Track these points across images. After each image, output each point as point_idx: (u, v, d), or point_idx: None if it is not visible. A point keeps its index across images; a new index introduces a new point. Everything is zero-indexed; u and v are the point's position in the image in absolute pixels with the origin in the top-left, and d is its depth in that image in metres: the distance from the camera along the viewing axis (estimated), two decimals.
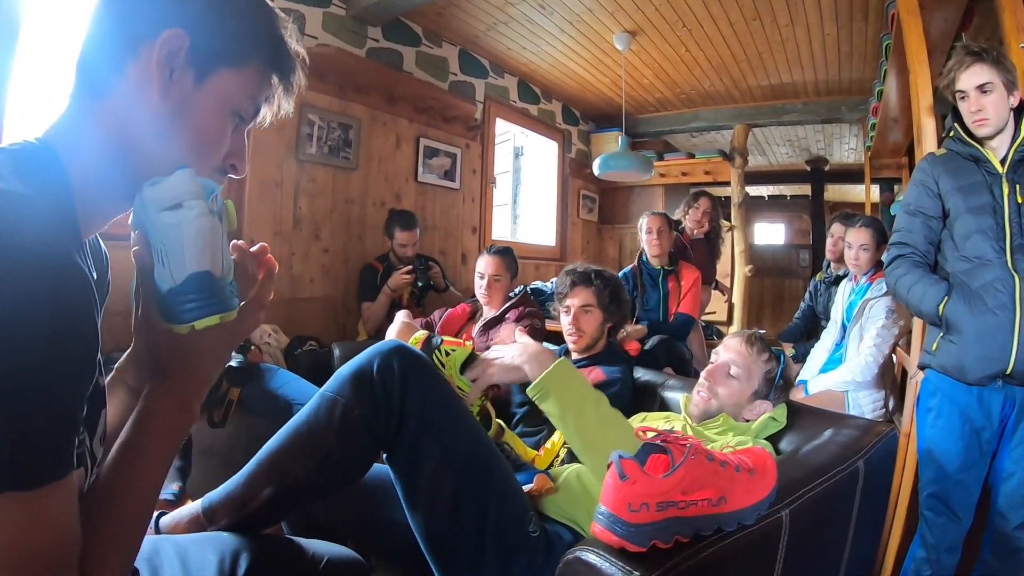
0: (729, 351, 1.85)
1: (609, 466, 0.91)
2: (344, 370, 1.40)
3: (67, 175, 0.77)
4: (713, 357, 1.89)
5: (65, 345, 0.64)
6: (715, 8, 4.30)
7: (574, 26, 4.70)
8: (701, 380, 1.85)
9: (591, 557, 0.91)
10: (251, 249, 0.94)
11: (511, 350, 1.68)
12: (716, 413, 1.78)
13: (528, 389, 1.52)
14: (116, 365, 1.03)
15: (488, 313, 3.27)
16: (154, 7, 0.81)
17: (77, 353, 0.65)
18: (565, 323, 2.43)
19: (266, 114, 0.94)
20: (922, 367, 2.22)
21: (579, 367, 2.32)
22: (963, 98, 2.09)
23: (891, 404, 3.22)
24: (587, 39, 4.93)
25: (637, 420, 1.96)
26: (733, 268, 6.07)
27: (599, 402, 1.52)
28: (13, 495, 0.61)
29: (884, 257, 3.30)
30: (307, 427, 1.37)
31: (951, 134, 2.21)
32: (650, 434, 0.99)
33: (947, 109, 2.28)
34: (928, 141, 2.47)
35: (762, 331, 1.94)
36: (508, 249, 3.42)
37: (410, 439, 1.33)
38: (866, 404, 3.14)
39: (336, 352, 3.29)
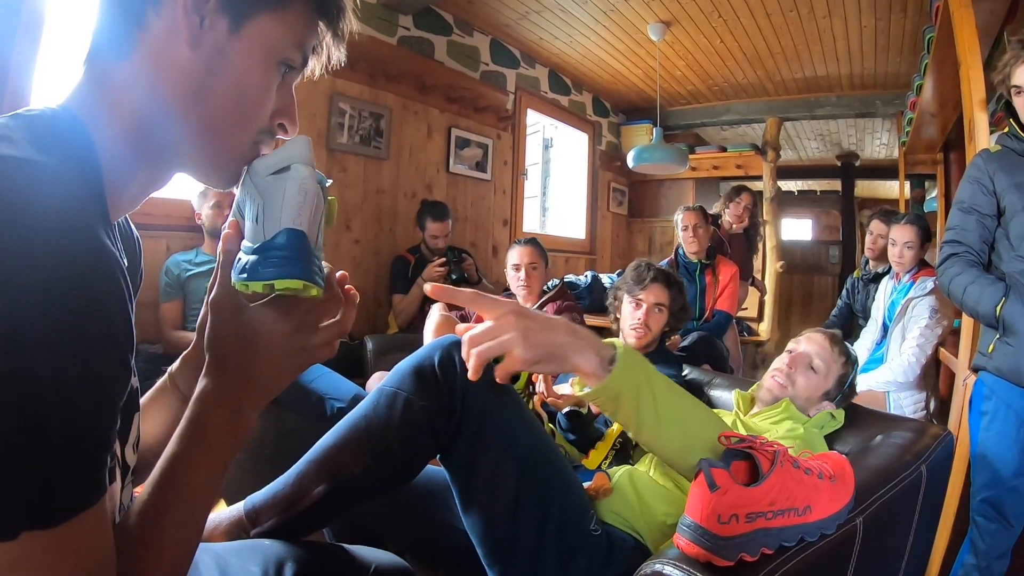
0: (813, 343, 1.79)
1: (697, 475, 0.86)
2: (403, 365, 1.34)
3: (93, 144, 0.68)
4: (792, 347, 1.83)
5: (92, 347, 0.54)
6: None
7: (608, 16, 4.64)
8: (779, 366, 1.78)
9: (673, 571, 0.86)
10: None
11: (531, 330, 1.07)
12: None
13: (588, 394, 1.10)
14: (169, 369, 0.95)
15: (525, 306, 3.22)
16: None
17: (107, 356, 0.56)
18: (632, 316, 2.36)
19: (315, 66, 0.84)
20: (976, 369, 2.16)
21: None
22: (1019, 93, 2.02)
23: (932, 406, 3.17)
24: (621, 29, 4.86)
25: None
26: (764, 264, 6.00)
27: (672, 389, 1.17)
28: (33, 535, 0.52)
29: (927, 256, 3.27)
30: (365, 421, 1.30)
31: (1006, 130, 2.15)
32: (734, 439, 0.94)
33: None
34: (981, 136, 2.40)
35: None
36: (535, 239, 3.38)
37: (470, 435, 1.28)
38: (907, 405, 3.09)
39: (369, 345, 3.27)
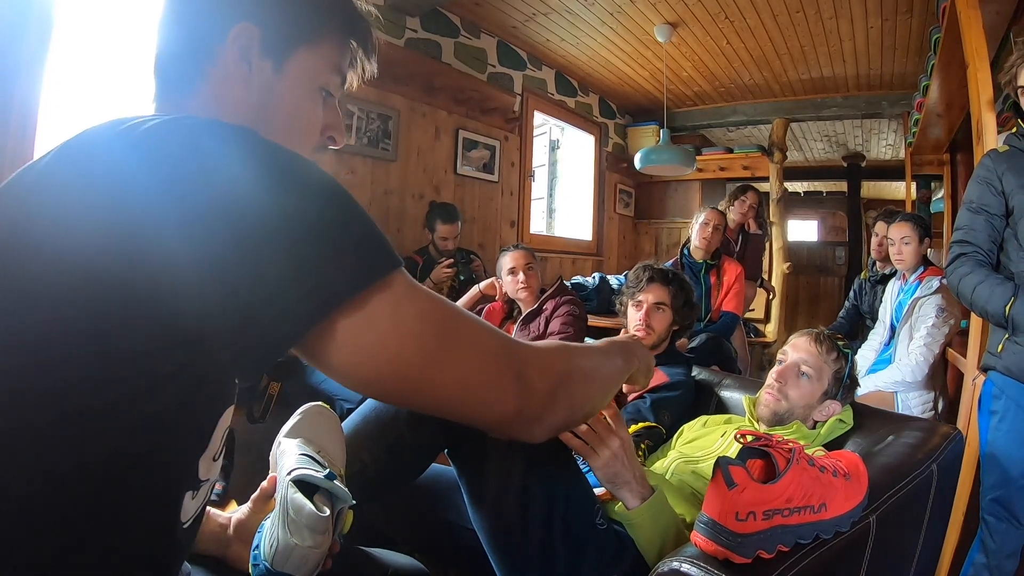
0: (799, 351, 1.78)
1: (715, 473, 0.87)
2: None
3: None
4: (780, 357, 1.82)
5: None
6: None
7: (615, 17, 4.64)
8: (770, 381, 1.78)
9: (691, 569, 0.86)
10: None
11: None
12: (786, 414, 1.73)
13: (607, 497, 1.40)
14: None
15: (526, 307, 3.24)
16: (217, 9, 0.82)
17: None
18: (634, 318, 2.36)
19: (352, 80, 0.94)
20: (985, 369, 2.16)
21: None
22: None
23: (940, 406, 3.17)
24: (627, 31, 4.87)
25: (698, 424, 1.91)
26: (771, 265, 6.00)
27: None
28: (371, 291, 0.65)
29: (932, 256, 3.27)
30: (375, 413, 1.33)
31: (1014, 130, 2.15)
32: (749, 437, 0.95)
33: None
34: (989, 137, 2.39)
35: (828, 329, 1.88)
36: (521, 244, 3.48)
37: None
38: (915, 405, 3.09)
39: None
